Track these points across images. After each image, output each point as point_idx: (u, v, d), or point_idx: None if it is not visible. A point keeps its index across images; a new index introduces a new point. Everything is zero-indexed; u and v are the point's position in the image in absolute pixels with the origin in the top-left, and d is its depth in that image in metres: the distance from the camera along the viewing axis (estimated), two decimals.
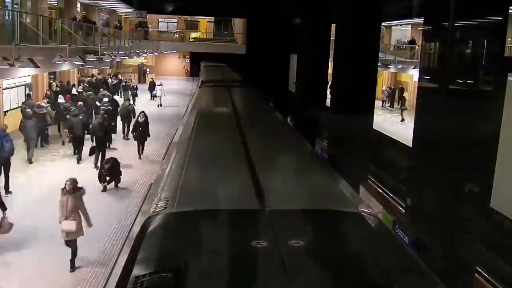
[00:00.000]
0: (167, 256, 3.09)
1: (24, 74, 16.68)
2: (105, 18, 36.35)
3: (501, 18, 6.87)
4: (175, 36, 45.38)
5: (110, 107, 19.22)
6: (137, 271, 2.85)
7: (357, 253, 3.24)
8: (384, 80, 36.69)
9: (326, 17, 15.92)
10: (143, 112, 17.23)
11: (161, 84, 31.66)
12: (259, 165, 4.82)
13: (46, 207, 11.27)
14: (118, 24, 34.37)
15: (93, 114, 20.07)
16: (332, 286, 2.82)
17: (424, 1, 8.51)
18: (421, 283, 3.03)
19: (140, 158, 17.01)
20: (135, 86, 31.73)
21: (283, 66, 22.98)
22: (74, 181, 8.98)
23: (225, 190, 4.25)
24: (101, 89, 24.97)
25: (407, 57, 31.10)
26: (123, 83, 31.26)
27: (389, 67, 29.06)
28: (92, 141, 15.62)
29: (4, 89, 18.79)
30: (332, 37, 13.81)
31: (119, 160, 13.80)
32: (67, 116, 16.85)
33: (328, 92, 19.63)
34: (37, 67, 13.32)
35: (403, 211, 8.87)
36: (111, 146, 17.81)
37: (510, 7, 9.19)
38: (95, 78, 29.88)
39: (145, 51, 33.97)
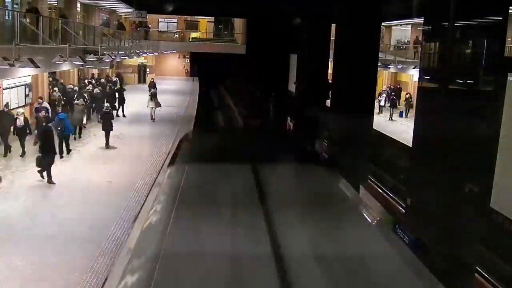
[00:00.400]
0: None
1: (24, 74, 16.67)
2: (105, 18, 36.34)
3: (501, 18, 6.88)
4: (175, 36, 45.40)
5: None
6: None
7: None
8: (384, 80, 36.72)
9: (326, 17, 15.93)
10: None
11: (154, 91, 25.97)
12: None
13: None
14: (120, 25, 34.40)
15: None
16: None
17: (424, 1, 8.52)
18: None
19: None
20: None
21: (283, 66, 22.98)
22: None
23: None
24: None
25: (407, 57, 31.13)
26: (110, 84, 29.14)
27: (389, 67, 29.07)
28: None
29: (4, 89, 18.78)
30: (332, 37, 13.82)
31: None
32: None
33: (329, 94, 19.71)
34: (37, 67, 13.32)
35: (403, 211, 8.87)
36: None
37: (510, 7, 9.20)
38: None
39: (145, 51, 33.97)
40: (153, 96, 24.51)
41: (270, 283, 3.06)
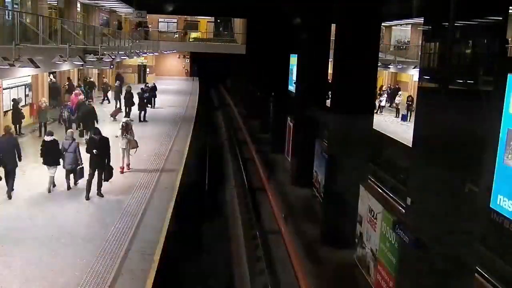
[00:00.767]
0: None
1: (24, 74, 16.68)
2: (105, 18, 36.34)
3: (501, 18, 6.87)
4: (175, 36, 45.42)
5: None
6: None
7: None
8: (384, 80, 36.74)
9: (326, 17, 15.92)
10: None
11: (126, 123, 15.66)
12: None
13: None
14: (119, 24, 34.41)
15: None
16: None
17: (424, 1, 8.52)
18: None
19: None
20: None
21: (283, 66, 22.97)
22: None
23: None
24: None
25: (407, 57, 31.16)
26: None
27: (389, 67, 29.12)
28: None
29: (4, 89, 18.79)
30: (332, 37, 13.81)
31: None
32: None
33: (329, 94, 19.68)
34: (37, 67, 13.32)
35: (403, 211, 8.87)
36: None
37: (510, 7, 9.20)
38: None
39: (145, 51, 33.96)
40: (126, 129, 15.21)
41: None
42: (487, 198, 5.83)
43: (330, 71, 15.31)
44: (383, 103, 31.30)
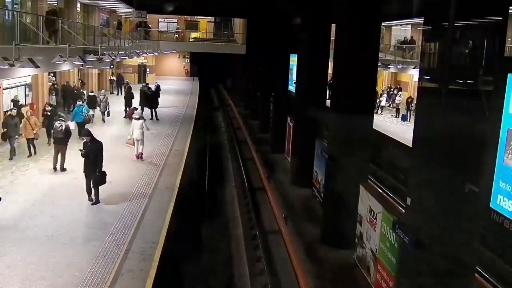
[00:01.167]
0: None
1: (24, 74, 16.68)
2: (105, 18, 36.34)
3: (501, 18, 6.88)
4: (175, 36, 45.41)
5: None
6: None
7: None
8: (384, 80, 36.72)
9: (326, 17, 15.91)
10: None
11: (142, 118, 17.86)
12: None
13: None
14: (119, 24, 34.40)
15: None
16: None
17: (424, 1, 8.51)
18: None
19: None
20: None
21: (283, 66, 22.97)
22: None
23: None
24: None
25: (407, 57, 31.11)
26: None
27: (389, 67, 29.11)
28: None
29: (4, 89, 18.78)
30: (332, 37, 13.80)
31: None
32: None
33: (328, 93, 19.67)
34: (37, 67, 13.31)
35: (403, 211, 8.87)
36: None
37: (510, 7, 9.19)
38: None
39: (145, 51, 33.96)
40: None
41: None
42: (487, 198, 5.83)
43: (330, 71, 15.30)
44: (383, 103, 31.30)
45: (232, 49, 41.36)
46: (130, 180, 14.41)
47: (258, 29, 30.00)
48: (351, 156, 11.71)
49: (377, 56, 12.76)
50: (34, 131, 16.08)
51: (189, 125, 24.22)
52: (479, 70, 7.04)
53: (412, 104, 26.85)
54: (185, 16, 46.69)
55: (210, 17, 46.74)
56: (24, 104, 20.25)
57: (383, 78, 36.73)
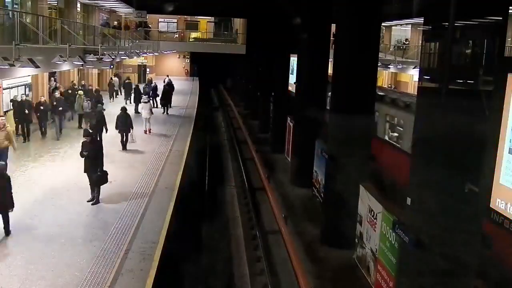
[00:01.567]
0: None
1: (24, 74, 16.69)
2: (105, 18, 36.32)
3: (501, 18, 6.88)
4: (175, 36, 45.38)
5: None
6: None
7: None
8: (384, 80, 36.72)
9: (326, 17, 15.91)
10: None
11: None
12: None
13: None
14: (119, 24, 34.36)
15: None
16: None
17: (424, 1, 8.51)
18: None
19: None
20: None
21: (283, 66, 22.97)
22: None
23: None
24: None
25: (407, 57, 31.11)
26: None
27: (389, 67, 29.10)
28: None
29: (4, 89, 18.79)
30: (332, 37, 13.81)
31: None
32: None
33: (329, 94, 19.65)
34: (37, 67, 13.32)
35: (403, 211, 8.87)
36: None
37: (510, 7, 9.19)
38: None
39: (145, 51, 33.94)
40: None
41: None
42: (487, 198, 5.83)
43: (330, 71, 15.29)
44: None
45: (232, 49, 41.36)
46: (130, 180, 14.41)
47: (258, 29, 30.00)
48: (351, 156, 11.71)
49: (377, 56, 12.75)
50: (6, 142, 13.63)
51: (189, 125, 24.22)
52: (479, 70, 7.04)
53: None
54: (185, 16, 46.67)
55: (210, 17, 46.71)
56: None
57: (383, 78, 36.73)
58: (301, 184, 16.90)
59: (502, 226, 5.57)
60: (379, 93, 14.39)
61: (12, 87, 19.47)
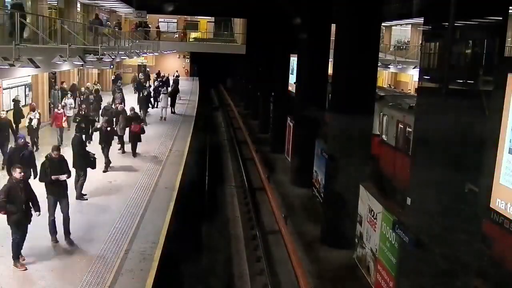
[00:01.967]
0: None
1: (24, 74, 16.67)
2: (105, 18, 36.30)
3: (501, 18, 6.88)
4: (175, 36, 45.37)
5: None
6: None
7: None
8: (384, 80, 36.72)
9: (326, 17, 15.91)
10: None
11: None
12: None
13: None
14: (118, 24, 34.34)
15: None
16: None
17: (424, 1, 8.52)
18: None
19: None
20: None
21: (283, 66, 22.97)
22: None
23: None
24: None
25: (407, 57, 31.09)
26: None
27: (389, 67, 29.07)
28: None
29: (4, 89, 18.78)
30: (332, 37, 13.80)
31: None
32: None
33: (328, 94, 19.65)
34: (37, 67, 13.30)
35: (403, 211, 8.88)
36: None
37: (510, 7, 9.20)
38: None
39: (145, 51, 33.93)
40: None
41: None
42: (487, 198, 5.83)
43: (330, 71, 15.29)
44: None
45: (232, 49, 41.34)
46: (130, 180, 14.40)
47: (258, 29, 30.00)
48: (351, 156, 11.71)
49: (377, 56, 12.76)
50: None
51: (189, 125, 24.21)
52: (479, 70, 7.04)
53: None
54: (185, 16, 46.66)
55: (210, 17, 46.71)
56: (24, 104, 20.27)
57: (383, 78, 36.72)
58: (301, 184, 16.91)
59: (502, 226, 5.58)
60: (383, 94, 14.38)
61: (12, 87, 19.47)
